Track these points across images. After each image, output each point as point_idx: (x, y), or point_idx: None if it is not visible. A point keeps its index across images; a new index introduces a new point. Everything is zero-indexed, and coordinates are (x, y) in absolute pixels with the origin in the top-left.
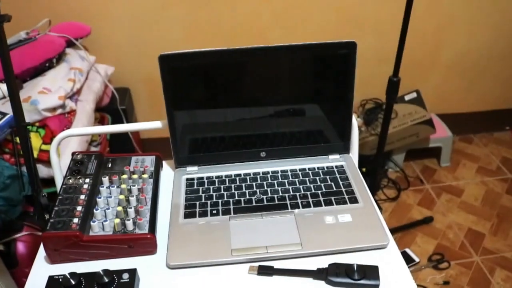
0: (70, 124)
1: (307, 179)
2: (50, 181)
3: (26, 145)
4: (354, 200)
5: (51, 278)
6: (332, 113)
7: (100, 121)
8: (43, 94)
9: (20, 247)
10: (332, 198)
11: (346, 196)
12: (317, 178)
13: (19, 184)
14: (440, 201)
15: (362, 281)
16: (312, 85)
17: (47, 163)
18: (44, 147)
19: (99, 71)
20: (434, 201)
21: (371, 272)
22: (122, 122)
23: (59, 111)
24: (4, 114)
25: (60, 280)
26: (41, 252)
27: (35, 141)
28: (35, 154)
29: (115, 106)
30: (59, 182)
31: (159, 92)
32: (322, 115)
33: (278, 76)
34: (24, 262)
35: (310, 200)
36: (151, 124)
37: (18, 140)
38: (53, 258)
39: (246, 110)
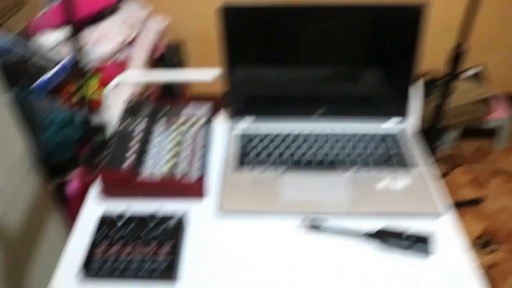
0: (124, 72)
1: (362, 141)
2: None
3: (82, 88)
4: (410, 167)
5: (103, 216)
6: (394, 77)
7: None
8: (100, 41)
9: (72, 186)
10: (387, 162)
11: (402, 162)
12: (373, 141)
13: (72, 128)
14: (492, 184)
15: (413, 248)
16: (375, 46)
17: (99, 110)
18: (97, 94)
19: (154, 23)
20: (486, 183)
21: (423, 240)
22: None
23: (114, 58)
24: (61, 58)
25: (111, 218)
26: (94, 189)
27: (91, 86)
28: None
29: (167, 59)
30: (112, 126)
31: (212, 48)
32: (383, 78)
33: (340, 35)
34: (74, 202)
35: (365, 161)
36: (209, 73)
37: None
38: (105, 195)
39: (305, 67)
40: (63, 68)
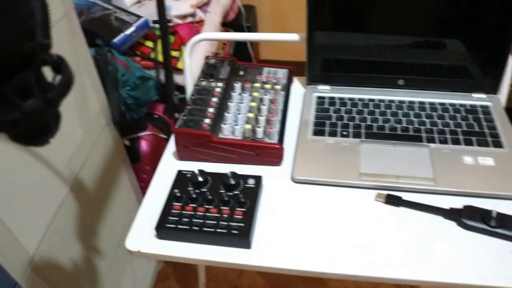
0: (198, 33)
1: (446, 114)
2: (178, 88)
3: (165, 42)
4: (498, 144)
5: (180, 172)
6: (484, 48)
7: None
8: (176, 0)
9: (144, 145)
10: (473, 138)
11: (490, 139)
12: (458, 115)
13: (148, 86)
14: None
15: (499, 230)
16: (465, 13)
17: (176, 70)
18: (174, 53)
19: None
20: None
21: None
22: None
23: (189, 19)
24: (139, 17)
25: (189, 175)
26: (170, 148)
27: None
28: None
29: (240, 22)
30: (190, 85)
31: (284, 14)
32: (472, 48)
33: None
34: (145, 159)
35: (448, 136)
36: (289, 36)
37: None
38: (181, 155)
39: (388, 35)
40: (142, 25)
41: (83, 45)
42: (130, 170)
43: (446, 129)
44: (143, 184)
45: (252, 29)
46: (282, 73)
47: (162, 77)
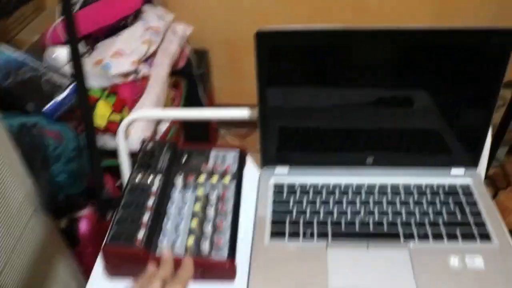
0: (142, 92)
1: (423, 199)
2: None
3: (90, 132)
4: (485, 237)
5: None
6: (462, 116)
7: (175, 86)
8: (116, 57)
9: (83, 225)
10: (457, 230)
11: (475, 231)
12: (437, 199)
13: (84, 158)
14: None
15: None
16: (440, 78)
17: (115, 134)
18: (113, 117)
19: (176, 31)
20: None
21: None
22: (197, 88)
23: (132, 77)
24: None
25: None
26: (99, 263)
27: (104, 109)
28: (104, 123)
29: (191, 69)
30: (125, 171)
31: (239, 58)
32: (448, 116)
33: (396, 62)
34: (86, 241)
35: (429, 230)
36: (237, 112)
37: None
38: (112, 273)
39: (351, 103)
40: (74, 90)
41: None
42: (68, 255)
43: (425, 219)
44: (85, 268)
45: (205, 75)
46: (232, 156)
47: (104, 143)
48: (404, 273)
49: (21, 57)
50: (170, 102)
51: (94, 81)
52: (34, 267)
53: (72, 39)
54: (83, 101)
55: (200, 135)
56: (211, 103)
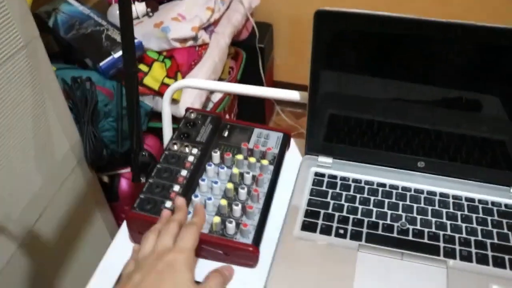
0: (199, 59)
1: (474, 216)
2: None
3: (131, 96)
4: None
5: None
6: None
7: (234, 57)
8: (177, 21)
9: (123, 183)
10: (506, 257)
11: None
12: (489, 218)
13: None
14: None
15: None
16: (509, 83)
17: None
18: (167, 80)
19: (243, 1)
20: None
21: None
22: (257, 61)
23: (190, 43)
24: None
25: None
26: (124, 228)
27: (159, 72)
28: (157, 86)
29: (253, 42)
30: (167, 138)
31: (303, 36)
32: None
33: (468, 62)
34: (125, 199)
35: (473, 250)
36: (288, 94)
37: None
38: (135, 239)
39: (410, 99)
40: (137, 46)
41: (49, 76)
42: (106, 210)
43: (472, 238)
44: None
45: (266, 50)
46: (275, 138)
47: (156, 105)
48: None
49: (86, 11)
50: (227, 72)
51: (153, 43)
52: (72, 217)
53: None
54: (129, 63)
55: (255, 109)
56: (270, 79)
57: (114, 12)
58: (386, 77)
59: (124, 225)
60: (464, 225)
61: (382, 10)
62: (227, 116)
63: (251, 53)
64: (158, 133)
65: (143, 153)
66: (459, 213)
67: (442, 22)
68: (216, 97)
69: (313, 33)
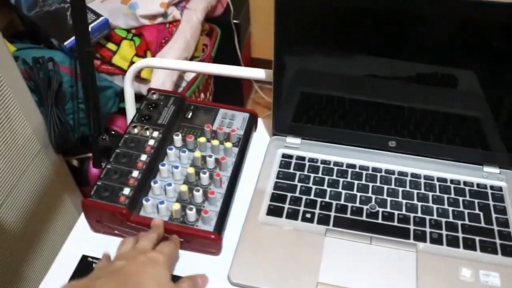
0: (170, 36)
1: (445, 196)
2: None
3: (86, 78)
4: (509, 252)
5: (83, 259)
6: (509, 108)
7: (208, 34)
8: None
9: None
10: (476, 238)
11: (498, 241)
12: (460, 198)
13: (105, 96)
14: None
15: None
16: (493, 59)
17: (139, 79)
18: (136, 59)
19: None
20: None
21: None
22: (233, 38)
23: (160, 19)
24: (98, 16)
25: (93, 264)
26: (80, 220)
27: (128, 51)
28: (126, 66)
29: (228, 18)
30: (130, 119)
31: None
32: (493, 104)
33: (441, 35)
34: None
35: (444, 232)
36: (252, 72)
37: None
38: (94, 228)
39: (381, 75)
40: (101, 25)
41: (5, 57)
42: (76, 195)
43: (443, 220)
44: None
45: (242, 26)
46: (240, 119)
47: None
48: (406, 278)
49: None
50: (201, 50)
51: (120, 20)
52: (38, 204)
53: None
54: (82, 40)
55: (232, 86)
56: (247, 56)
57: None
58: (354, 53)
59: (81, 217)
60: (435, 206)
61: None
62: (202, 95)
63: (226, 30)
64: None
65: (103, 137)
66: (430, 194)
67: None
68: (189, 76)
69: (275, 8)
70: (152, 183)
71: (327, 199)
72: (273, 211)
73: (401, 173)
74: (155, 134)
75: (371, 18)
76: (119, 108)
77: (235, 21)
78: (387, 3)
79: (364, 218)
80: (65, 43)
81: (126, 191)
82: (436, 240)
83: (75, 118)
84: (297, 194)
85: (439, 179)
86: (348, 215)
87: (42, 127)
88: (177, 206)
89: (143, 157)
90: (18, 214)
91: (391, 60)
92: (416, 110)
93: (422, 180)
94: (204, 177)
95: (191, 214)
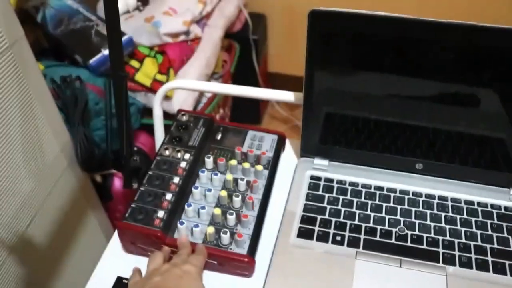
0: (192, 53)
1: (473, 219)
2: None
3: (120, 99)
4: None
5: (118, 280)
6: None
7: (227, 50)
8: (168, 15)
9: (117, 182)
10: (506, 262)
11: None
12: (488, 221)
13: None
14: None
15: None
16: (509, 80)
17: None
18: (159, 76)
19: None
20: None
21: None
22: (251, 54)
23: (182, 37)
24: (123, 34)
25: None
26: (113, 240)
27: (151, 68)
28: (148, 83)
29: (246, 34)
30: (159, 140)
31: (298, 26)
32: None
33: (465, 58)
34: (119, 198)
35: (473, 256)
36: (282, 95)
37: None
38: (127, 249)
39: (408, 101)
40: (125, 43)
41: (36, 76)
42: (100, 210)
43: (471, 244)
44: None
45: (260, 41)
46: (269, 141)
47: (148, 101)
48: None
49: (75, 6)
50: (220, 66)
51: (144, 37)
52: (65, 219)
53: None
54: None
55: (249, 101)
56: (264, 70)
57: (103, 6)
58: (382, 76)
59: (114, 238)
60: (463, 229)
61: (377, 10)
62: (221, 110)
63: (244, 45)
64: (150, 130)
65: (134, 158)
66: (458, 216)
67: (436, 22)
68: (209, 93)
69: (307, 34)
70: (185, 206)
71: (356, 222)
72: (304, 234)
73: (428, 196)
74: (187, 156)
75: (397, 43)
76: (141, 124)
77: (253, 36)
78: (410, 29)
79: (393, 240)
80: (90, 61)
81: (160, 214)
82: (466, 264)
83: (100, 135)
84: (326, 217)
85: (466, 202)
86: (378, 238)
87: (69, 144)
88: (211, 230)
89: (176, 180)
90: (46, 231)
91: (417, 82)
92: (442, 132)
93: (450, 203)
94: (237, 200)
95: (225, 237)
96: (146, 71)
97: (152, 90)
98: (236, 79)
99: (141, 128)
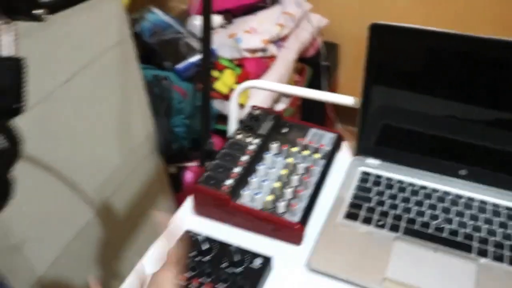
0: (267, 69)
1: (510, 223)
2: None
3: (207, 83)
4: None
5: (186, 233)
6: None
7: (300, 72)
8: (249, 33)
9: (188, 175)
10: None
11: None
12: None
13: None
14: None
15: None
16: None
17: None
18: (235, 86)
19: (311, 21)
20: None
21: None
22: (320, 78)
23: (259, 54)
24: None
25: (195, 238)
26: (189, 201)
27: (230, 78)
28: (226, 90)
29: (318, 60)
30: (232, 131)
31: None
32: None
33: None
34: (188, 189)
35: (507, 253)
36: (343, 99)
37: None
38: (197, 211)
39: (459, 111)
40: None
41: (135, 71)
42: (170, 199)
43: (505, 242)
44: None
45: (330, 68)
46: (328, 138)
47: (223, 108)
48: (465, 285)
49: (168, 20)
50: (293, 83)
51: (226, 51)
52: (141, 197)
53: (206, 12)
54: (206, 64)
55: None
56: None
57: (193, 22)
58: (434, 91)
59: (187, 201)
60: (500, 230)
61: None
62: None
63: (316, 70)
64: (223, 135)
65: (211, 141)
66: (496, 219)
67: (499, 40)
68: (279, 107)
69: (367, 45)
70: (250, 179)
71: (398, 212)
72: (350, 216)
73: (469, 199)
74: (255, 141)
75: (452, 60)
76: (214, 129)
77: (325, 63)
78: (469, 48)
79: (431, 231)
80: (177, 66)
81: (228, 182)
82: (497, 258)
83: (178, 131)
84: (372, 205)
85: (505, 208)
86: (416, 227)
87: (152, 135)
88: (269, 198)
89: (244, 158)
90: (125, 203)
91: (470, 103)
92: (488, 146)
93: (489, 207)
94: (295, 179)
95: (281, 206)
96: (225, 81)
97: (229, 97)
98: (305, 102)
99: (214, 132)
